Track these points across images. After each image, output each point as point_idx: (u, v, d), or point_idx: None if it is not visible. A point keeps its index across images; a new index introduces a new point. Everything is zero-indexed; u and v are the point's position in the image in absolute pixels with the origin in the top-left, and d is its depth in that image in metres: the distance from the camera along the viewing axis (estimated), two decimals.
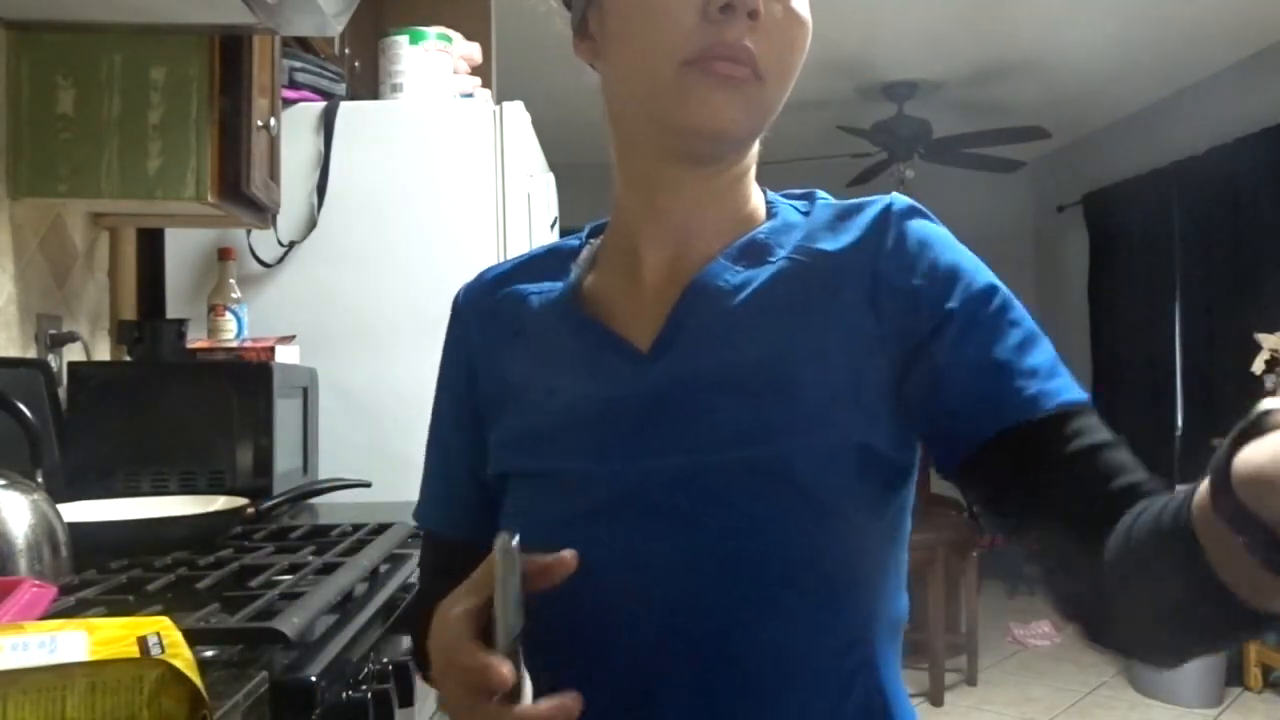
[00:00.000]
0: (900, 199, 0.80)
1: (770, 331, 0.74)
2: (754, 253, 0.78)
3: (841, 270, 0.75)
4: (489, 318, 0.85)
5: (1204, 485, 0.51)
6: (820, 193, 0.84)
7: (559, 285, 0.83)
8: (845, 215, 0.79)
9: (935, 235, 0.79)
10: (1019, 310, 0.77)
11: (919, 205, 0.81)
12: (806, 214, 0.81)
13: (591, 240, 0.87)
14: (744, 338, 0.74)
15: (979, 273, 0.78)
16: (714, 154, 0.77)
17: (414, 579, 1.46)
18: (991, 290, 0.77)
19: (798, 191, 0.85)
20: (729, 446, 0.71)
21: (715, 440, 0.71)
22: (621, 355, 0.77)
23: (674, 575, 0.71)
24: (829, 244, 0.77)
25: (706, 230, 0.79)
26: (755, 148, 0.81)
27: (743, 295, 0.76)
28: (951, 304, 0.74)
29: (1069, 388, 0.71)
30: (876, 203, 0.79)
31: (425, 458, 0.90)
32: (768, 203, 0.83)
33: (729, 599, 0.70)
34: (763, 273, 0.77)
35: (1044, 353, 0.73)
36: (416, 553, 1.47)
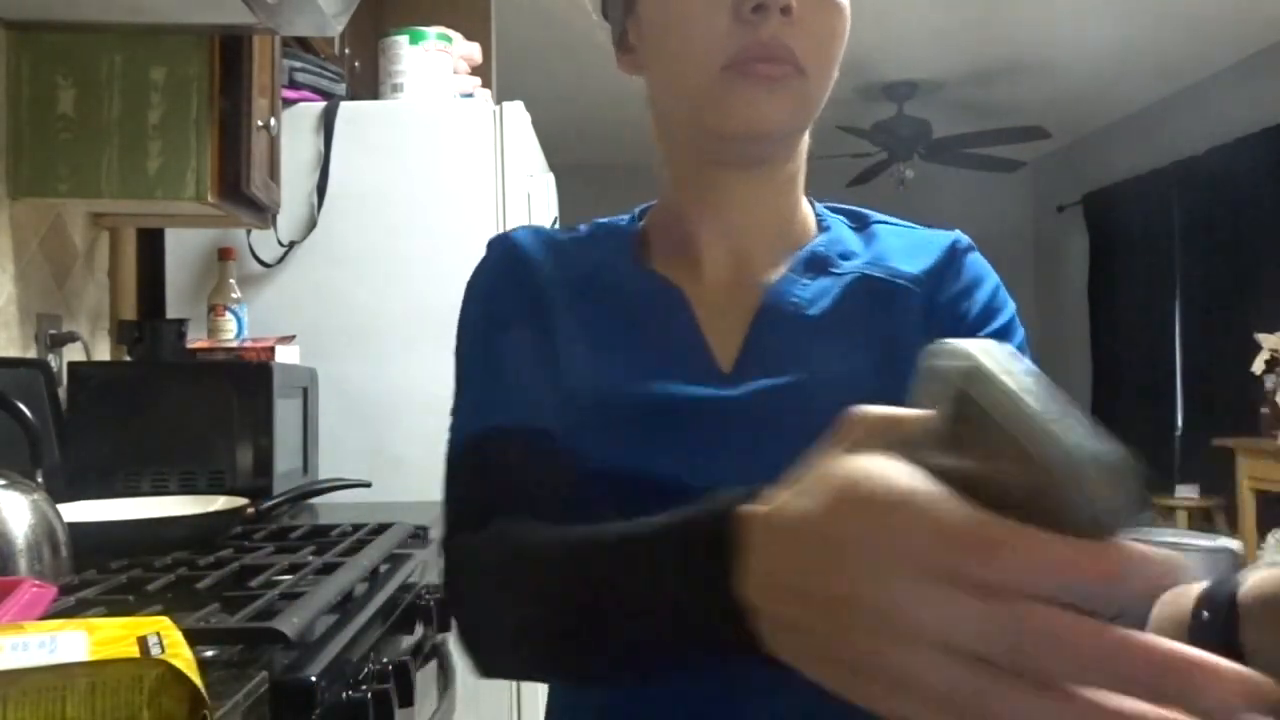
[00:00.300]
0: (963, 237, 0.84)
1: (844, 349, 0.75)
2: (816, 266, 0.80)
3: (910, 293, 0.78)
4: (558, 269, 0.81)
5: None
6: (874, 214, 0.87)
7: (629, 263, 0.82)
8: (917, 243, 0.83)
9: (987, 273, 0.83)
10: (1022, 343, 0.80)
11: (973, 243, 0.85)
12: (857, 230, 0.84)
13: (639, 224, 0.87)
14: (820, 357, 0.75)
15: (1007, 307, 0.82)
16: (762, 155, 0.77)
17: (414, 578, 1.46)
18: (1009, 330, 0.80)
19: (842, 206, 0.88)
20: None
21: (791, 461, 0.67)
22: (706, 366, 0.76)
23: None
24: (904, 265, 0.80)
25: (765, 228, 0.80)
26: (805, 142, 0.82)
27: (815, 311, 0.77)
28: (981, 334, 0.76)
29: None
30: (945, 236, 0.83)
31: (469, 375, 0.79)
32: (816, 213, 0.85)
33: None
34: (831, 287, 0.78)
35: None
36: (416, 552, 1.47)
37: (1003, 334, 0.78)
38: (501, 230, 1.68)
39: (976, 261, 0.83)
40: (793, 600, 0.39)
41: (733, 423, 0.73)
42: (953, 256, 0.81)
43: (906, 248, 0.81)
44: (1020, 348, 0.75)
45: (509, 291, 0.80)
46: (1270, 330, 3.87)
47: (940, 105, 5.08)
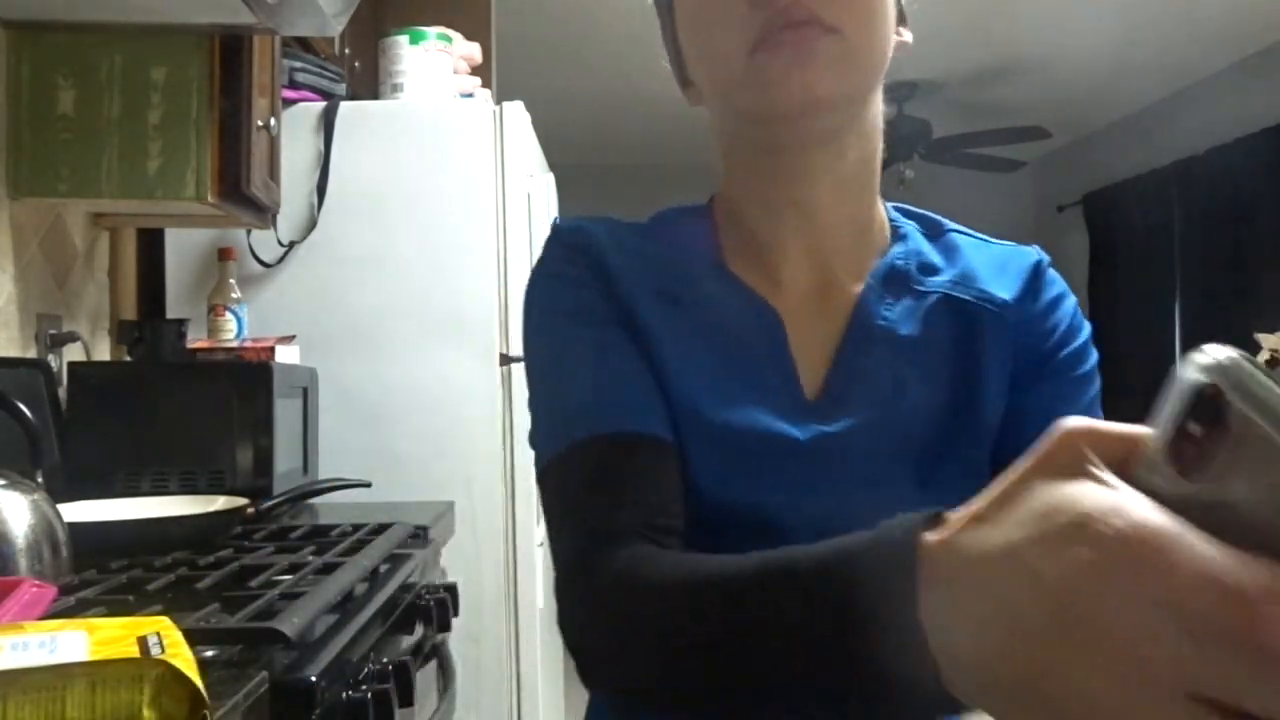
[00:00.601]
0: (1044, 254, 0.82)
1: (933, 378, 0.73)
2: (898, 281, 0.76)
3: (1001, 319, 0.75)
4: (637, 265, 0.76)
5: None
6: (947, 221, 0.84)
7: (712, 266, 0.77)
8: (1001, 261, 0.79)
9: (1066, 292, 0.80)
10: (1095, 368, 0.77)
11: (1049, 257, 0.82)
12: (932, 239, 0.81)
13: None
14: (912, 387, 0.72)
15: (1085, 327, 0.78)
16: (819, 131, 0.72)
17: (414, 578, 1.46)
18: (1087, 350, 0.77)
19: (912, 210, 0.85)
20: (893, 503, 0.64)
21: (878, 494, 0.68)
22: (794, 394, 0.73)
23: None
24: (995, 289, 0.76)
25: (842, 227, 0.77)
26: (876, 124, 0.80)
27: (904, 333, 0.74)
28: (1059, 356, 0.75)
29: None
30: (1028, 255, 0.80)
31: (565, 373, 0.73)
32: (889, 216, 0.82)
33: None
34: (916, 307, 0.75)
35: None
36: (416, 552, 1.47)
37: (1083, 353, 0.76)
38: (501, 230, 1.69)
39: (1056, 280, 0.80)
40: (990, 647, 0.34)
41: (820, 458, 0.70)
42: (1038, 276, 0.78)
43: (991, 266, 0.78)
44: (1087, 383, 0.76)
45: (594, 285, 0.74)
46: (1270, 330, 3.87)
47: (940, 105, 5.07)
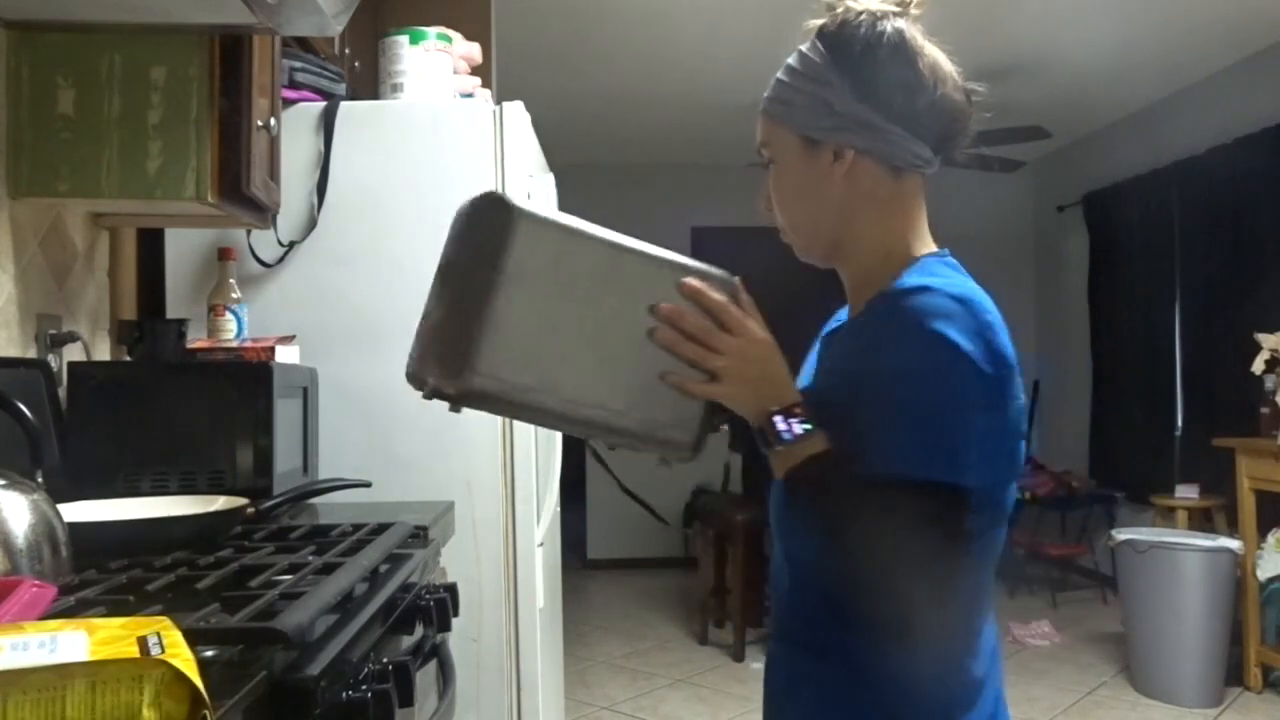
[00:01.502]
0: (914, 282, 1.00)
1: (836, 368, 1.11)
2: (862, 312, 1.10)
3: (864, 324, 1.07)
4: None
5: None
6: (931, 272, 1.04)
7: None
8: (892, 292, 1.02)
9: (896, 313, 0.99)
10: (899, 403, 0.95)
11: (924, 286, 0.98)
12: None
13: None
14: (822, 373, 1.15)
15: (889, 353, 0.98)
16: (825, 263, 1.17)
17: (414, 578, 1.46)
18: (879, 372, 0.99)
19: (924, 276, 1.03)
20: None
21: None
22: None
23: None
24: (875, 305, 1.05)
25: (857, 297, 1.12)
26: (872, 248, 1.10)
27: (838, 340, 1.17)
28: (855, 367, 1.04)
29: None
30: (906, 280, 1.02)
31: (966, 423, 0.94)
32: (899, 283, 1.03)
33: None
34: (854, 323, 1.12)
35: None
36: (417, 552, 1.48)
37: (864, 379, 1.04)
38: None
39: (891, 307, 1.02)
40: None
41: None
42: (890, 296, 1.04)
43: (890, 291, 1.08)
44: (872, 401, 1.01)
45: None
46: (1270, 330, 3.87)
47: None
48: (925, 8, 1.14)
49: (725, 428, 1.07)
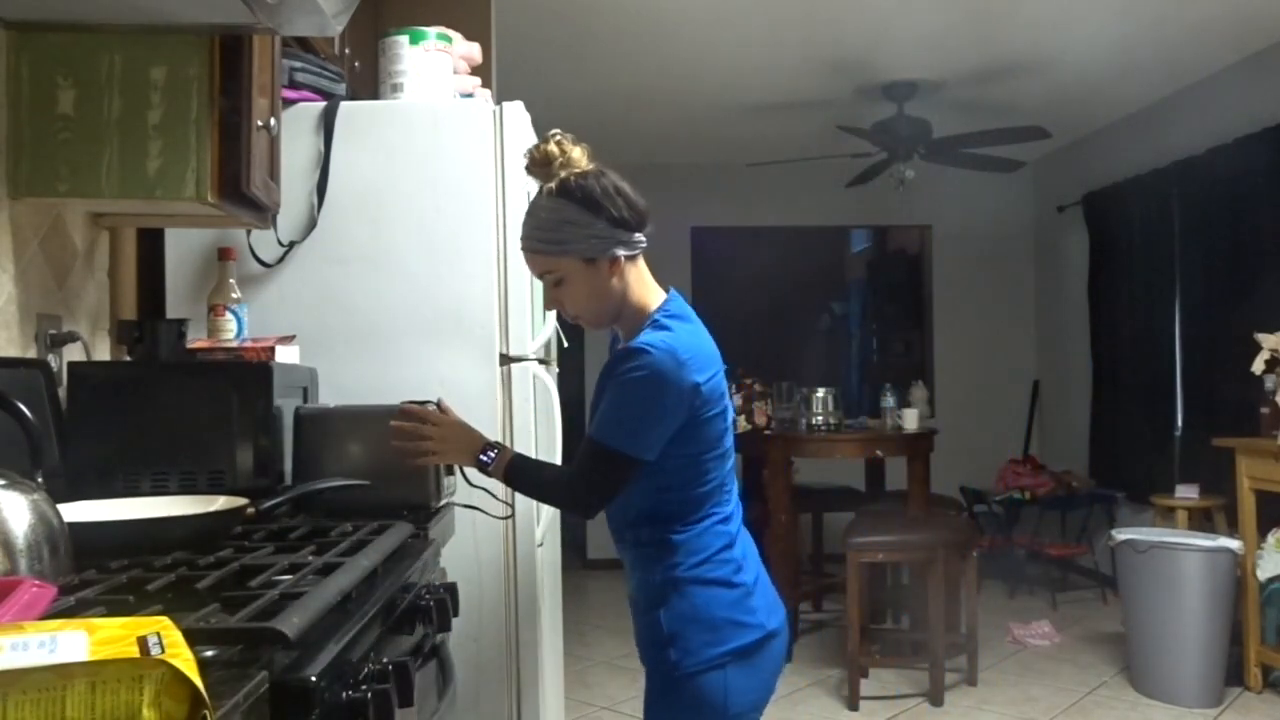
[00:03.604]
0: (641, 341, 1.61)
1: (603, 383, 1.66)
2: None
3: (617, 358, 1.64)
4: None
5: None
6: (659, 327, 1.64)
7: None
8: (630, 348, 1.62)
9: (628, 356, 1.60)
10: (618, 405, 1.61)
11: (637, 349, 1.59)
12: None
13: None
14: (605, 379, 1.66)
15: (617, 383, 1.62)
16: (600, 327, 1.75)
17: (414, 578, 1.46)
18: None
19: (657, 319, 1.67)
20: None
21: None
22: None
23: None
24: (625, 349, 1.63)
25: (629, 337, 1.68)
26: (634, 315, 1.69)
27: (611, 363, 1.65)
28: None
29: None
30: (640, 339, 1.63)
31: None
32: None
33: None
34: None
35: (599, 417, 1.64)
36: (417, 552, 1.47)
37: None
38: (501, 230, 2.16)
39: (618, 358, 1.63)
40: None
41: None
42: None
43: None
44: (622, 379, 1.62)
45: None
46: (1270, 330, 3.87)
47: (940, 105, 5.07)
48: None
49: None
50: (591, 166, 1.63)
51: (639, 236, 1.65)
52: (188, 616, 0.90)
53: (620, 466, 1.60)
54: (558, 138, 1.63)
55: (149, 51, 1.69)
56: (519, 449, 2.25)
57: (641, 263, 1.69)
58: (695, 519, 1.66)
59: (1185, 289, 5.03)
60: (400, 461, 1.71)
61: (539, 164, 1.63)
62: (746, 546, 1.72)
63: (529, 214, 1.64)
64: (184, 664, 0.65)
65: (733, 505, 1.73)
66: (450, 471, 1.92)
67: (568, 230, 1.59)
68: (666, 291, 1.71)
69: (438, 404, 1.76)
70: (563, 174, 1.61)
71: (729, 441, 1.70)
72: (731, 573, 1.66)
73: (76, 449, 1.67)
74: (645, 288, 1.69)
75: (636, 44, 4.28)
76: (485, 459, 1.67)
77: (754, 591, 1.67)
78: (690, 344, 1.62)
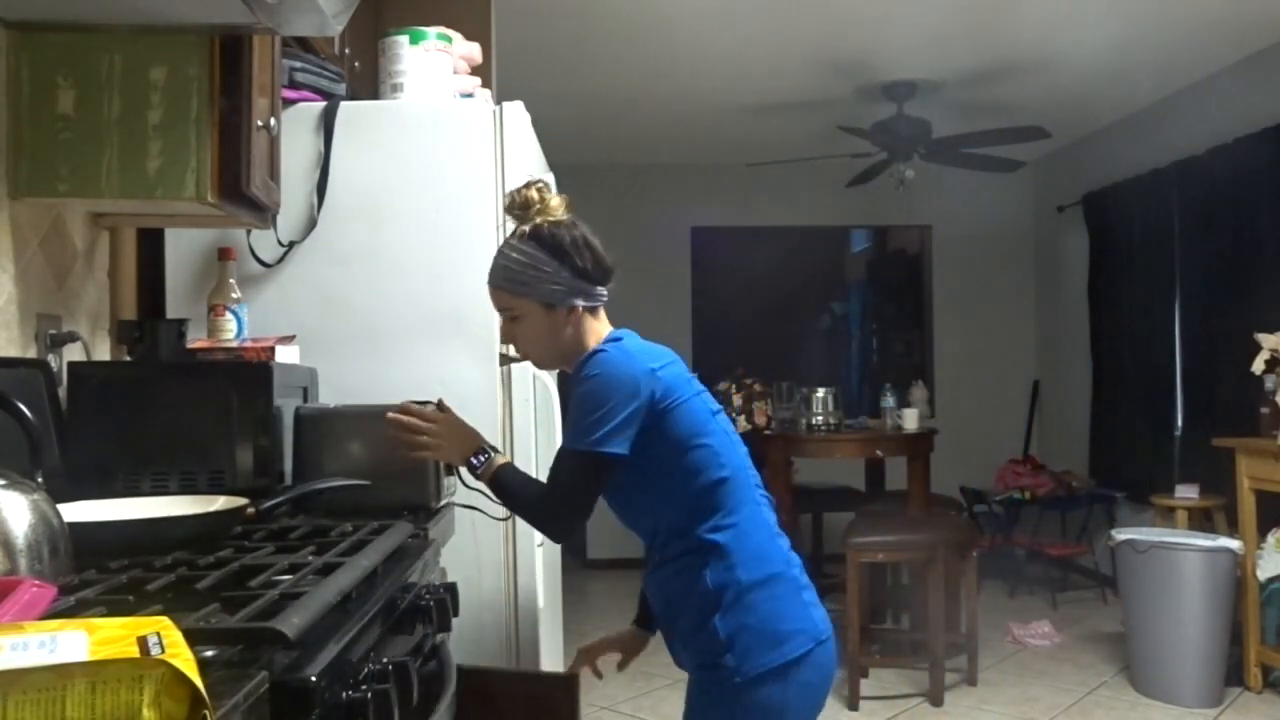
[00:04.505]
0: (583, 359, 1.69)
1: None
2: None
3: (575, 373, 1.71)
4: None
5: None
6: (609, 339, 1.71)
7: None
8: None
9: (583, 366, 1.68)
10: (578, 409, 1.64)
11: (587, 357, 1.67)
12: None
13: None
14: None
15: (576, 390, 1.68)
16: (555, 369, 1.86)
17: (414, 578, 1.46)
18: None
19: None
20: None
21: None
22: None
23: None
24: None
25: (569, 363, 1.75)
26: (577, 354, 1.71)
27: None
28: None
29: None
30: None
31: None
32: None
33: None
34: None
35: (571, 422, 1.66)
36: (417, 552, 1.47)
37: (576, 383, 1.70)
38: (501, 230, 2.15)
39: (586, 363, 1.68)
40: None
41: None
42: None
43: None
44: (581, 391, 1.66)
45: None
46: (1270, 330, 3.87)
47: (940, 105, 5.07)
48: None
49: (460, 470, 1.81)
50: (566, 217, 1.69)
51: (601, 290, 1.70)
52: (188, 616, 0.90)
53: (591, 467, 1.60)
54: (539, 185, 1.70)
55: (149, 51, 1.69)
56: (518, 450, 2.25)
57: (602, 314, 1.74)
58: (728, 511, 1.64)
59: (1185, 289, 5.03)
60: (396, 455, 1.73)
61: (518, 206, 1.69)
62: (796, 557, 1.70)
63: (499, 252, 1.70)
64: (184, 664, 0.65)
65: (762, 496, 1.71)
66: (450, 471, 1.92)
67: (531, 274, 1.66)
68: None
69: (438, 404, 1.77)
70: (538, 219, 1.67)
71: (722, 426, 1.69)
72: (783, 565, 1.65)
73: (76, 449, 1.67)
74: (597, 335, 1.72)
75: (636, 44, 4.28)
76: (476, 461, 1.70)
77: (810, 590, 1.67)
78: (637, 344, 1.69)
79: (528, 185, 1.70)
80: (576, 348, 1.70)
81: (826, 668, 1.66)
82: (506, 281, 1.68)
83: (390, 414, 1.73)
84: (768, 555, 1.65)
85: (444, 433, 1.72)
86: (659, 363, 1.64)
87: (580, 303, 1.68)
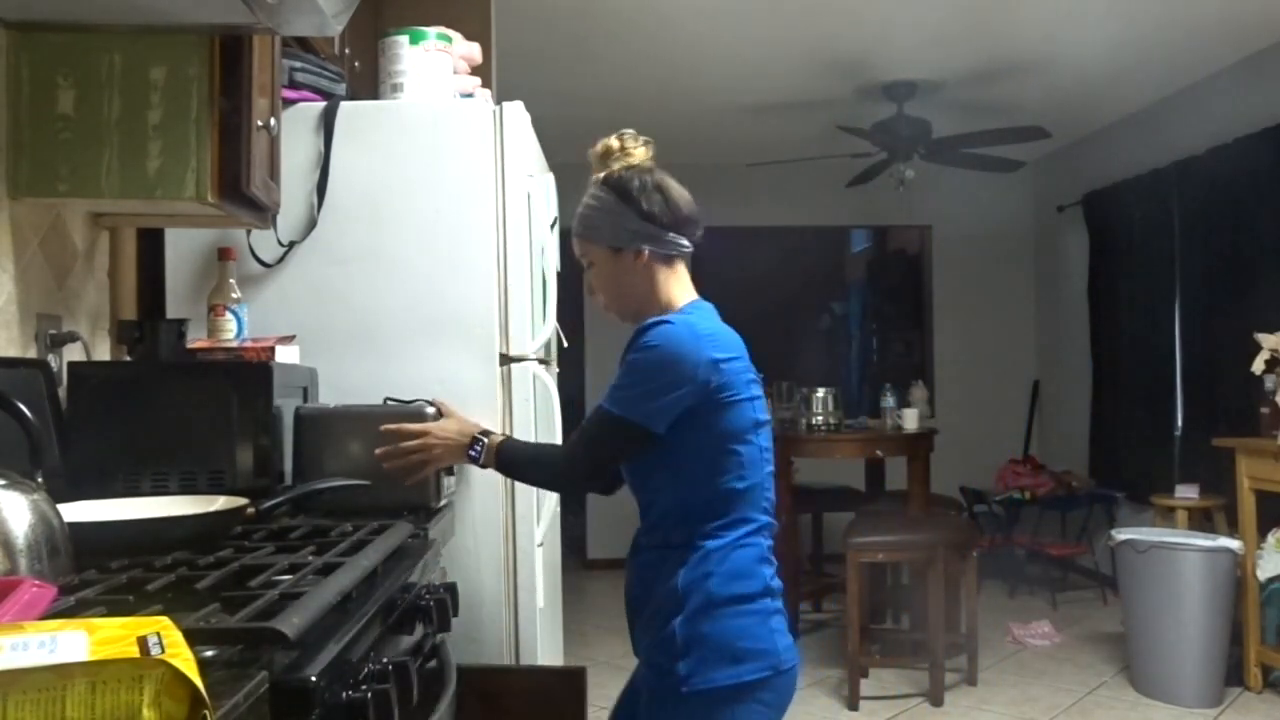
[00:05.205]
0: (644, 325, 1.63)
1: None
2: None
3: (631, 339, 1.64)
4: None
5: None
6: (682, 312, 1.67)
7: None
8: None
9: (642, 331, 1.61)
10: (626, 374, 1.61)
11: (653, 322, 1.60)
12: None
13: None
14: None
15: (631, 354, 1.62)
16: (632, 323, 1.70)
17: (414, 578, 1.46)
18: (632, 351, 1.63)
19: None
20: None
21: None
22: None
23: None
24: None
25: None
26: (651, 310, 1.68)
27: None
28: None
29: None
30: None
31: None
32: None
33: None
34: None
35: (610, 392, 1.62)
36: (417, 553, 1.47)
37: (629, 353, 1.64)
38: (501, 230, 2.29)
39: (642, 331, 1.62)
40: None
41: None
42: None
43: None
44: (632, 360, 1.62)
45: None
46: (1270, 330, 3.87)
47: (940, 105, 5.07)
48: (657, 161, 1.74)
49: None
50: (643, 164, 1.70)
51: (673, 236, 1.68)
52: (188, 616, 0.90)
53: (625, 434, 1.58)
54: (626, 134, 1.72)
55: (149, 51, 1.69)
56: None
57: (681, 269, 1.72)
58: (728, 522, 1.59)
59: (1185, 289, 5.03)
60: (400, 477, 1.78)
61: (600, 155, 1.72)
62: (778, 580, 1.65)
63: (581, 202, 1.73)
64: (184, 664, 0.65)
65: (769, 518, 1.65)
66: (450, 471, 1.93)
67: (600, 218, 1.67)
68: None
69: (434, 404, 1.80)
70: (615, 165, 1.69)
71: (763, 440, 1.65)
72: (761, 590, 1.59)
73: (76, 449, 1.67)
74: (675, 291, 1.70)
75: (636, 44, 4.28)
76: (474, 454, 1.71)
77: (781, 618, 1.62)
78: (711, 327, 1.63)
79: (616, 135, 1.73)
80: (651, 300, 1.68)
81: (783, 696, 1.61)
82: (579, 227, 1.70)
83: (378, 450, 1.77)
84: (748, 575, 1.59)
85: (433, 443, 1.75)
86: (725, 354, 1.60)
87: (647, 247, 1.66)
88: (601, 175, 1.70)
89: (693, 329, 1.60)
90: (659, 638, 1.59)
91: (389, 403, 1.87)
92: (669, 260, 1.69)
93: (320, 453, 1.84)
